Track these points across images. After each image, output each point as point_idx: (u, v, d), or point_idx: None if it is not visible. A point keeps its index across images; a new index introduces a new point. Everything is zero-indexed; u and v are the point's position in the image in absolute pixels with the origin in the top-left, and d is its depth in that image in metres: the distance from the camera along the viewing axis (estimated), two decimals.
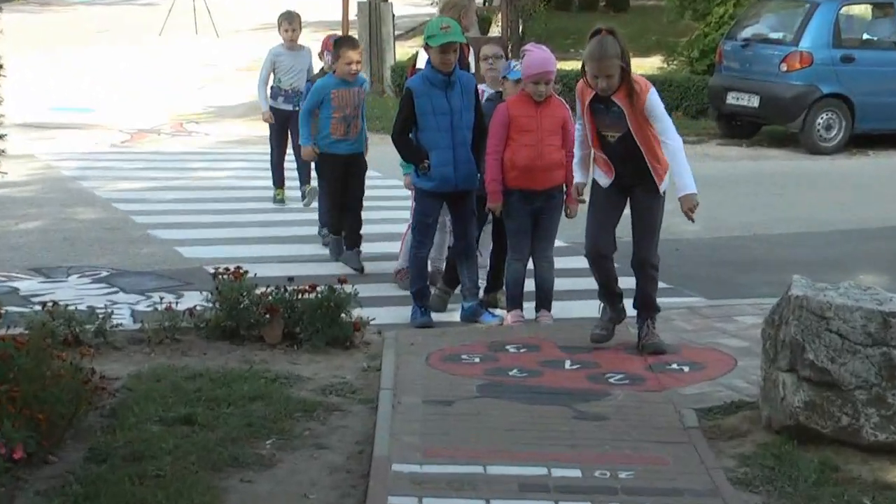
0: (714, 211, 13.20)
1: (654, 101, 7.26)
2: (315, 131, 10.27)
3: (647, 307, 7.60)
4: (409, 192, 9.40)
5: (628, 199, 7.51)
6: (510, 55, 20.05)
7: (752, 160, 17.38)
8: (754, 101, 17.81)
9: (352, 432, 6.29)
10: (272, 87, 12.59)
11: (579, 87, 7.40)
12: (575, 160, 7.83)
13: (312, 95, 10.31)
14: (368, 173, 10.56)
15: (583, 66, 7.25)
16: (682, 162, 7.27)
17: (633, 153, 7.29)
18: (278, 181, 12.77)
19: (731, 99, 18.16)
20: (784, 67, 17.54)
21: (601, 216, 7.50)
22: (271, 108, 12.55)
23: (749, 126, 18.84)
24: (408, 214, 9.71)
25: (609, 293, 7.68)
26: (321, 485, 5.63)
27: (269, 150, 12.89)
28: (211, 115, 20.03)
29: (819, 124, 17.51)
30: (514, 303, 8.50)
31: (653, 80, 20.80)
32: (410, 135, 8.59)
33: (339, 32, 17.02)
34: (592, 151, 7.57)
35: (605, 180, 7.49)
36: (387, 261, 10.22)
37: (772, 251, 11.41)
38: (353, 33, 21.75)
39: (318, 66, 12.13)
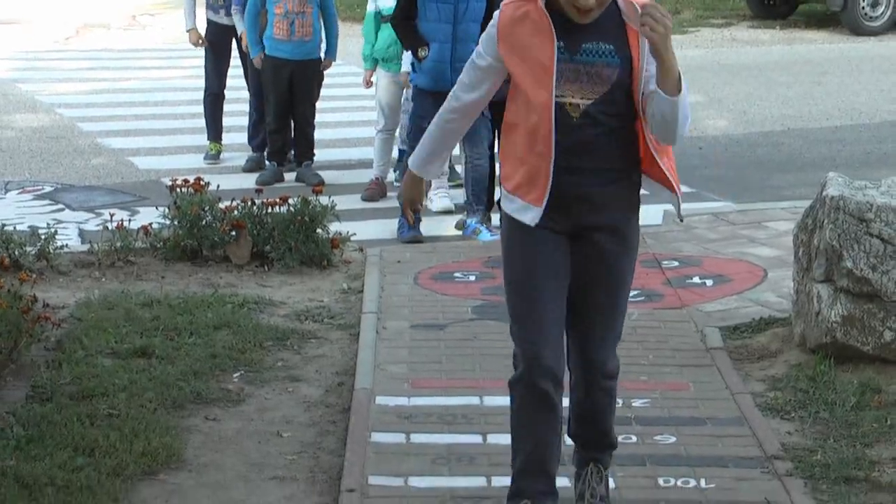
0: (744, 103, 13.21)
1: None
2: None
3: (597, 444, 4.83)
4: (358, 91, 9.66)
5: (573, 246, 4.56)
6: None
7: (788, 44, 17.32)
8: None
9: (330, 362, 6.33)
10: None
11: (512, 12, 4.41)
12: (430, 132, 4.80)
13: None
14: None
15: None
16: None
17: (611, 143, 4.42)
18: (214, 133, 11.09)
19: None
20: None
21: (536, 292, 4.51)
22: (210, 21, 10.87)
23: (784, 5, 18.77)
24: (373, 115, 9.83)
25: (544, 472, 4.62)
26: (296, 422, 5.67)
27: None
28: (167, 5, 19.92)
29: (864, 1, 17.42)
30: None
31: None
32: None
33: None
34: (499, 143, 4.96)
35: (530, 212, 4.46)
36: (354, 169, 10.23)
37: (809, 148, 11.41)
38: None
39: None
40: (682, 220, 5.22)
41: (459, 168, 9.32)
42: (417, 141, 8.23)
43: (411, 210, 4.79)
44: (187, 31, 11.00)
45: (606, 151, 4.40)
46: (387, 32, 9.45)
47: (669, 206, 6.25)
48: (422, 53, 8.41)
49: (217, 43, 10.76)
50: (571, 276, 4.53)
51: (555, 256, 4.50)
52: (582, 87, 4.33)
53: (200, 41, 10.85)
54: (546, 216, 4.43)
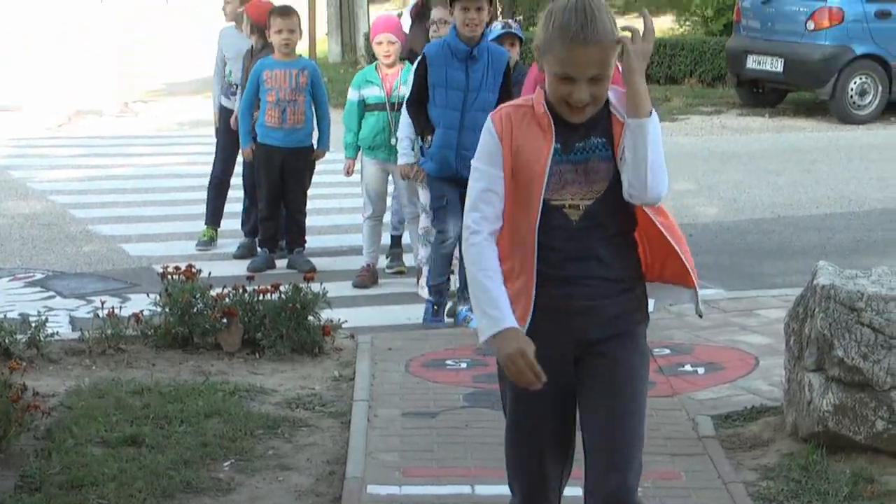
0: (734, 190, 13.27)
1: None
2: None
3: None
4: (351, 178, 9.82)
5: (577, 365, 4.16)
6: (500, 18, 20.12)
7: (777, 132, 17.42)
8: (778, 65, 17.85)
9: (321, 451, 6.30)
10: (225, 83, 10.95)
11: (512, 113, 4.12)
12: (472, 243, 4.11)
13: (249, 82, 10.02)
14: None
15: (536, 57, 4.14)
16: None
17: (617, 250, 4.10)
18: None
19: (752, 63, 18.20)
20: (811, 26, 17.61)
21: (534, 443, 4.21)
22: (223, 108, 10.91)
23: (772, 93, 18.91)
24: (360, 202, 9.87)
25: None
26: None
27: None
28: (160, 93, 20.03)
29: (852, 90, 17.57)
30: None
31: (663, 43, 21.07)
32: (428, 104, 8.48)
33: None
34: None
35: None
36: (346, 255, 10.23)
37: (800, 235, 11.44)
38: None
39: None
40: (701, 316, 4.48)
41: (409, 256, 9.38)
42: (443, 222, 8.42)
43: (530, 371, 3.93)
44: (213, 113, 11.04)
45: (611, 259, 4.06)
46: (372, 120, 9.50)
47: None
48: (426, 140, 8.41)
49: (229, 129, 10.70)
50: (579, 398, 4.15)
51: (556, 394, 4.09)
52: (581, 188, 4.04)
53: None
54: (538, 337, 3.97)
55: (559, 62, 3.95)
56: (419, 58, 8.57)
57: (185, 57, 22.82)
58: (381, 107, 9.50)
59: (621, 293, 4.09)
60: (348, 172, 9.88)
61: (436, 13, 9.33)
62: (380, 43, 9.54)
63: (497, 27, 9.12)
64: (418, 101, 8.46)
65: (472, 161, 4.12)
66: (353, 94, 9.66)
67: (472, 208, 4.07)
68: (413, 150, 8.91)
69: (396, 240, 10.09)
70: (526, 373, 3.92)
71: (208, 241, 10.84)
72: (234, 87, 10.69)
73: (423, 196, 9.28)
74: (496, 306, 3.96)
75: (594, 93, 3.98)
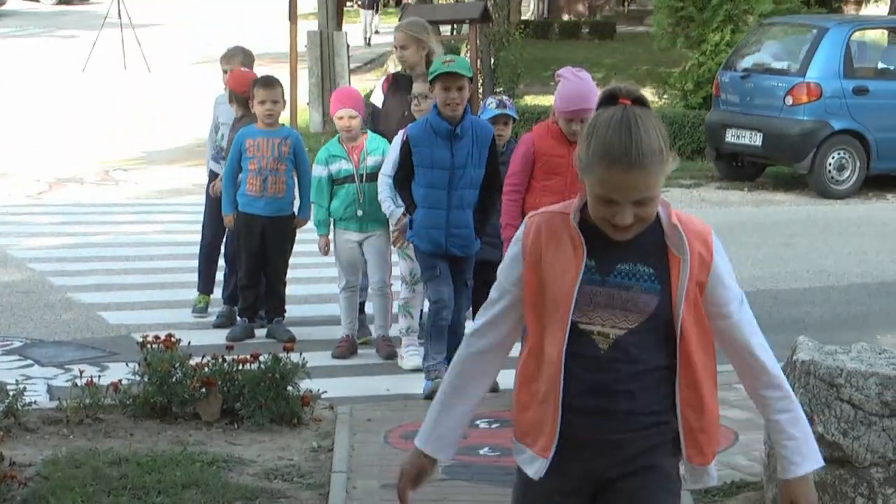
0: None
1: (721, 252, 3.80)
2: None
3: None
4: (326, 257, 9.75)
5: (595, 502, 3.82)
6: (481, 90, 20.18)
7: (756, 206, 17.48)
8: (757, 139, 17.95)
9: None
10: (216, 147, 10.95)
11: (544, 223, 3.77)
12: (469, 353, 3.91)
13: (231, 150, 10.01)
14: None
15: (577, 170, 3.68)
16: (799, 409, 3.88)
17: (648, 383, 3.68)
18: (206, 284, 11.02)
19: (731, 137, 18.30)
20: (790, 101, 17.71)
21: None
22: (213, 172, 10.82)
23: (751, 167, 18.99)
24: (335, 272, 9.80)
25: None
26: None
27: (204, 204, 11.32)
28: (140, 161, 20.04)
29: (830, 164, 17.66)
30: None
31: None
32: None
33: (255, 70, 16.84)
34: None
35: (535, 464, 3.73)
36: (325, 325, 10.20)
37: (779, 309, 11.45)
38: (303, 66, 21.90)
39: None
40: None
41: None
42: (438, 293, 8.30)
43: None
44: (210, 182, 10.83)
45: (641, 393, 3.64)
46: (343, 193, 9.45)
47: None
48: (401, 221, 8.48)
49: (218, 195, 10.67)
50: None
51: None
52: (614, 315, 3.62)
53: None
54: (558, 470, 3.67)
55: (600, 184, 3.55)
56: (403, 140, 8.54)
57: (164, 126, 22.85)
58: (351, 179, 9.44)
59: (650, 426, 3.67)
60: (326, 251, 9.73)
61: (417, 87, 9.26)
62: (341, 118, 9.45)
63: (492, 105, 9.08)
64: (405, 179, 8.46)
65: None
66: (320, 171, 9.56)
67: (483, 310, 3.86)
68: (396, 203, 8.95)
69: (360, 307, 9.98)
70: (400, 492, 3.95)
71: (204, 308, 10.79)
72: (224, 151, 10.62)
73: (403, 267, 9.28)
74: (429, 422, 3.90)
75: (640, 214, 3.57)
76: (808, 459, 3.82)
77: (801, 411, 3.82)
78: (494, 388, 8.26)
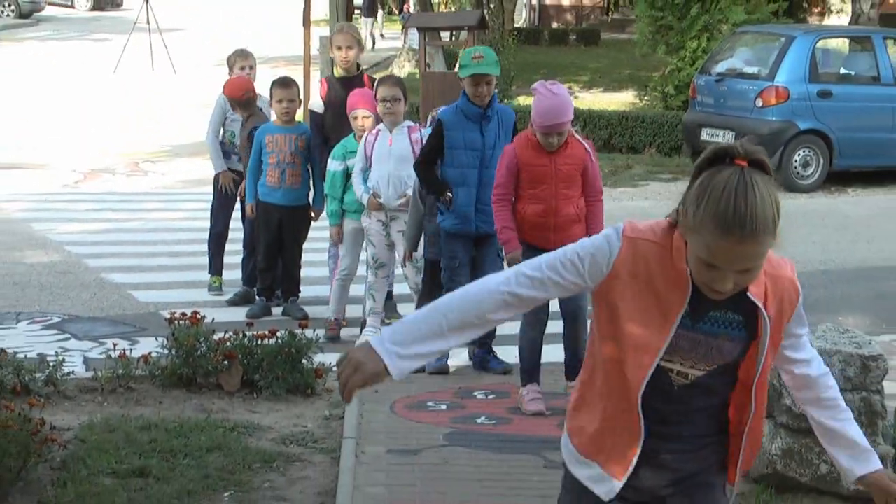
0: None
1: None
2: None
3: None
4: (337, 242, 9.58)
5: None
6: None
7: None
8: (729, 138, 17.90)
9: (313, 484, 6.27)
10: (224, 144, 10.90)
11: (650, 255, 3.24)
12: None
13: (253, 146, 10.01)
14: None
15: (679, 223, 3.20)
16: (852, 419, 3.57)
17: (711, 411, 3.36)
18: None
19: (706, 135, 18.28)
20: (759, 103, 17.70)
21: None
22: (228, 168, 10.84)
23: None
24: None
25: None
26: None
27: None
28: (167, 154, 20.02)
29: (796, 161, 17.65)
30: (531, 377, 7.64)
31: (625, 116, 21.19)
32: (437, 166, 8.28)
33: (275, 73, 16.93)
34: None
35: (607, 485, 3.38)
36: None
37: None
38: (316, 68, 21.87)
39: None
40: None
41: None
42: (454, 282, 7.91)
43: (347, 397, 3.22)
44: (218, 173, 10.83)
45: (704, 420, 3.34)
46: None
47: None
48: (445, 198, 8.14)
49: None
50: None
51: None
52: (695, 357, 3.25)
53: (231, 182, 10.70)
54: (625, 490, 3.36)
55: (706, 250, 3.07)
56: (435, 123, 8.36)
57: (188, 123, 22.82)
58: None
59: (706, 446, 3.36)
60: (339, 240, 9.62)
61: (385, 91, 8.97)
62: (355, 118, 9.39)
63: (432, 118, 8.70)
64: (429, 162, 8.27)
65: (567, 245, 3.30)
66: (336, 165, 9.49)
67: (535, 267, 3.28)
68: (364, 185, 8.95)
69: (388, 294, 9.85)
70: (351, 388, 3.18)
71: (219, 287, 10.81)
72: (236, 147, 10.68)
73: (369, 252, 9.18)
74: (410, 335, 3.22)
75: (740, 281, 3.13)
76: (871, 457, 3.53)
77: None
78: (444, 370, 8.26)
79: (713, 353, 3.25)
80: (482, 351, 8.41)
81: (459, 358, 8.55)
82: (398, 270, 9.49)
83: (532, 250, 6.93)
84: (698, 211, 3.06)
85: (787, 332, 3.36)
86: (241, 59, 11.08)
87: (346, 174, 9.45)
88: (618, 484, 3.33)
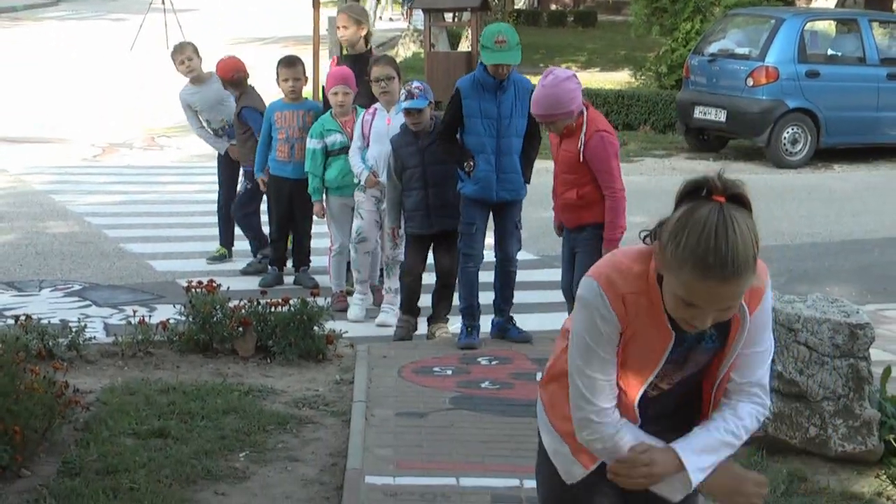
0: None
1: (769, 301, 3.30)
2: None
3: None
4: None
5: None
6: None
7: None
8: (721, 116, 17.89)
9: (325, 445, 6.28)
10: (224, 129, 10.94)
11: (638, 304, 3.12)
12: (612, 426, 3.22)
13: (263, 123, 9.99)
14: None
15: (656, 259, 3.09)
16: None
17: (686, 407, 3.33)
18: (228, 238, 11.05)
19: (699, 113, 18.23)
20: (750, 82, 17.64)
21: None
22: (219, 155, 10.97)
23: (716, 140, 18.93)
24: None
25: None
26: (295, 497, 5.62)
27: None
28: (182, 130, 19.93)
29: (785, 138, 17.61)
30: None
31: (621, 94, 21.14)
32: (457, 135, 8.10)
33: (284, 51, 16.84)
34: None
35: (574, 469, 3.35)
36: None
37: None
38: (325, 48, 21.79)
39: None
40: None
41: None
42: (471, 247, 7.96)
43: None
44: (225, 151, 10.91)
45: (681, 414, 3.28)
46: (339, 163, 9.31)
47: None
48: (468, 165, 7.97)
49: (228, 163, 10.93)
50: None
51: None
52: (672, 370, 3.19)
53: (237, 153, 10.71)
54: (597, 472, 3.29)
55: (685, 289, 2.93)
56: (453, 92, 8.12)
57: None
58: (345, 150, 9.29)
59: (675, 438, 3.20)
60: (322, 215, 9.58)
61: (379, 70, 8.89)
62: (335, 94, 9.31)
63: (402, 98, 8.37)
64: (449, 132, 8.12)
65: (577, 332, 3.17)
66: (315, 143, 9.41)
67: (592, 397, 3.15)
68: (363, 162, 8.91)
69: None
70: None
71: (219, 258, 10.83)
72: (219, 130, 10.86)
73: (356, 224, 9.07)
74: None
75: (719, 318, 3.00)
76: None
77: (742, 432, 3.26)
78: (473, 346, 8.05)
79: (689, 366, 3.18)
80: (501, 319, 8.33)
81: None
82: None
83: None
84: (677, 250, 2.91)
85: (751, 338, 3.17)
86: (178, 54, 11.12)
87: (325, 152, 9.40)
88: (583, 472, 3.27)
